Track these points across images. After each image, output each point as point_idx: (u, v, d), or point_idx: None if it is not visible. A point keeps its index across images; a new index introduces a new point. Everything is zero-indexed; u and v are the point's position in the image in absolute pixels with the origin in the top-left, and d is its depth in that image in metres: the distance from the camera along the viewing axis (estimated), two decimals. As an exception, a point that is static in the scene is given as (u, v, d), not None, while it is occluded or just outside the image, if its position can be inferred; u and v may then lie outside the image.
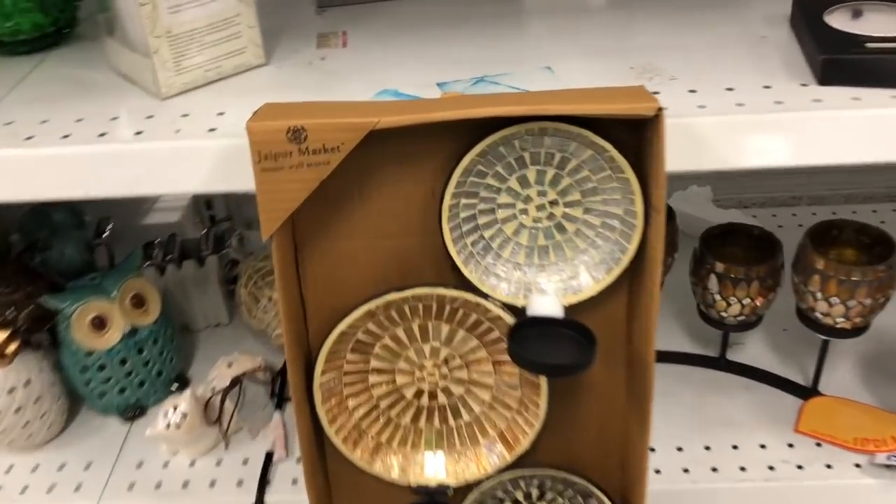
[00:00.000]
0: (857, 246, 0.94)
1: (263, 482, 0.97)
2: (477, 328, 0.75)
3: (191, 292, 1.20)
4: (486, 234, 0.71)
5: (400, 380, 0.78)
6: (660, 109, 0.61)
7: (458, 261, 0.70)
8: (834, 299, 0.89)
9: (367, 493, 0.84)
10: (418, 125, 0.62)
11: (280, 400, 1.08)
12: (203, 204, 1.43)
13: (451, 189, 0.67)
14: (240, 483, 0.98)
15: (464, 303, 0.72)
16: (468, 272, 0.70)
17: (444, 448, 0.80)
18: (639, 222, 0.67)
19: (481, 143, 0.65)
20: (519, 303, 0.71)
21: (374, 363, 0.77)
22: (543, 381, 0.75)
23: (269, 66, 0.83)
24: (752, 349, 1.12)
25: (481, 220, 0.70)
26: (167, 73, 0.76)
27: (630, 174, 0.66)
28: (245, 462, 1.01)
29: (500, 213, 0.70)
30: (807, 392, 1.02)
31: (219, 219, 1.40)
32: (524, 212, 0.70)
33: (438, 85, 0.76)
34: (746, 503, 0.94)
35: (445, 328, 0.75)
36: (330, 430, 0.77)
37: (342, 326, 0.72)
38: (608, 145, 0.65)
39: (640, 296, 0.71)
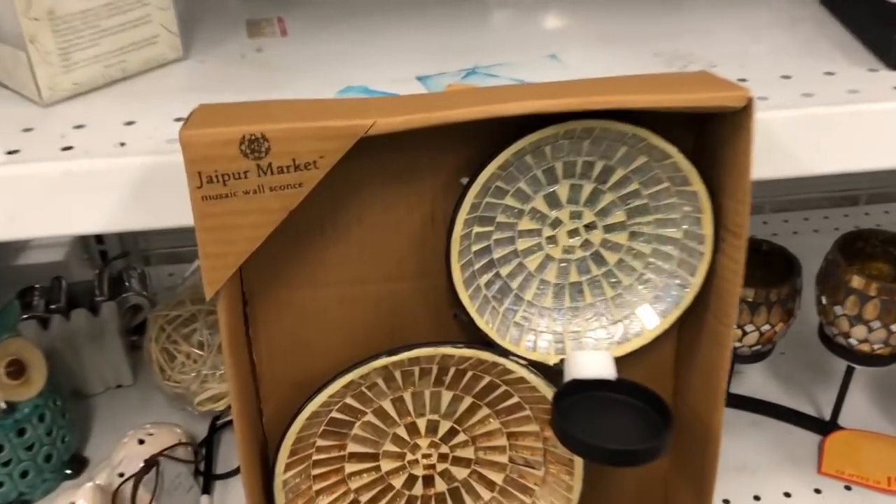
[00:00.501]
0: (886, 258, 0.82)
1: (195, 593, 0.76)
2: (489, 394, 0.57)
3: (84, 349, 0.97)
4: (504, 271, 0.54)
5: (386, 465, 0.60)
6: (749, 99, 0.46)
7: (471, 309, 0.52)
8: (875, 323, 0.76)
9: None
10: (412, 131, 0.44)
11: (207, 479, 0.87)
12: (92, 238, 1.20)
13: (462, 214, 0.49)
14: None
15: (476, 363, 0.55)
16: (483, 323, 0.53)
17: (446, 548, 0.62)
18: (707, 248, 0.52)
19: (507, 149, 0.48)
20: (550, 360, 0.54)
21: (352, 447, 0.58)
22: (578, 458, 0.58)
23: (190, 60, 0.64)
24: (752, 379, 0.99)
25: (497, 254, 0.53)
26: (51, 69, 0.55)
27: (699, 186, 0.50)
28: (169, 566, 0.80)
29: (521, 243, 0.53)
30: (825, 426, 0.90)
31: (112, 255, 1.17)
32: (552, 240, 0.53)
33: (419, 79, 0.59)
34: (782, 567, 0.80)
35: (447, 396, 0.57)
36: (297, 544, 0.58)
37: (312, 407, 0.54)
38: (673, 149, 0.49)
39: (701, 342, 0.55)
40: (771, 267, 0.84)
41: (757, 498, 0.84)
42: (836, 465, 0.86)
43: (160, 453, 0.83)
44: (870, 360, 0.80)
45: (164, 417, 0.91)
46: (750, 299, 0.80)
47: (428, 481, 0.60)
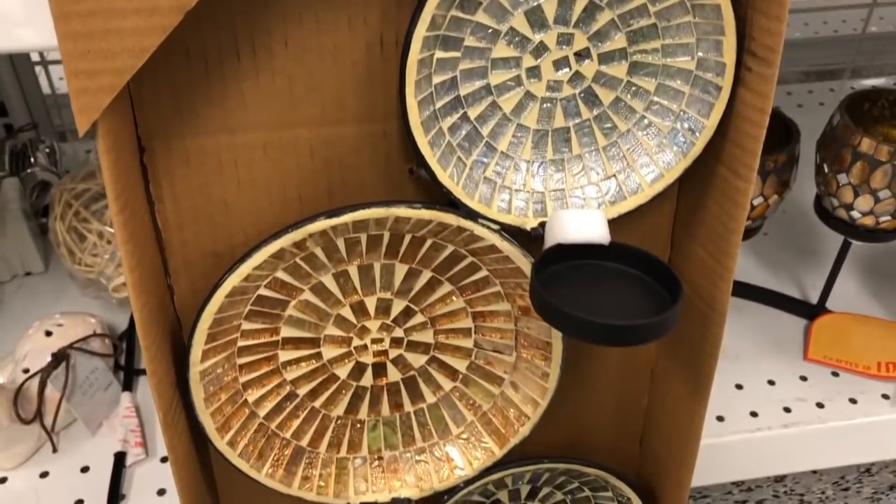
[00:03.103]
0: (894, 122, 0.73)
1: (115, 498, 0.67)
2: (452, 267, 0.47)
3: (-17, 230, 0.85)
4: (472, 112, 0.43)
5: (329, 352, 0.50)
6: None
7: (431, 160, 0.41)
8: (883, 192, 0.68)
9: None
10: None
11: (129, 375, 0.77)
12: (-8, 108, 1.05)
13: (421, 30, 0.38)
14: (79, 503, 0.68)
15: (436, 229, 0.44)
16: (446, 178, 0.42)
17: (399, 444, 0.53)
18: (726, 81, 0.41)
19: (480, -59, 0.36)
20: (528, 223, 0.44)
21: (286, 332, 0.48)
22: (557, 341, 0.49)
23: None
24: (734, 261, 0.91)
25: (464, 90, 0.42)
26: None
27: (723, -1, 0.39)
28: (84, 470, 0.71)
29: (495, 77, 0.42)
30: (812, 310, 0.83)
31: (18, 127, 1.02)
32: (534, 73, 0.42)
33: None
34: (762, 455, 0.74)
35: (401, 269, 0.47)
36: (220, 443, 0.48)
37: (233, 280, 0.43)
38: (693, -54, 0.38)
39: (709, 202, 0.45)
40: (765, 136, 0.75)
41: (739, 387, 0.77)
42: (823, 351, 0.79)
43: (70, 346, 0.72)
44: (872, 235, 0.72)
45: (79, 308, 0.80)
46: (743, 168, 0.71)
47: (379, 370, 0.51)
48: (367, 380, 0.51)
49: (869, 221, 0.71)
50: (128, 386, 0.76)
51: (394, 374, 0.52)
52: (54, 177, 0.93)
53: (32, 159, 0.92)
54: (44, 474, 0.70)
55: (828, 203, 0.73)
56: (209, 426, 0.47)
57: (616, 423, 0.58)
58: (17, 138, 0.96)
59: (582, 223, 0.41)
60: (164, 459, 0.71)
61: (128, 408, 0.73)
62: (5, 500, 0.68)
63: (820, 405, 0.75)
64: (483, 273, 0.47)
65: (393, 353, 0.51)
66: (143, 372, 0.78)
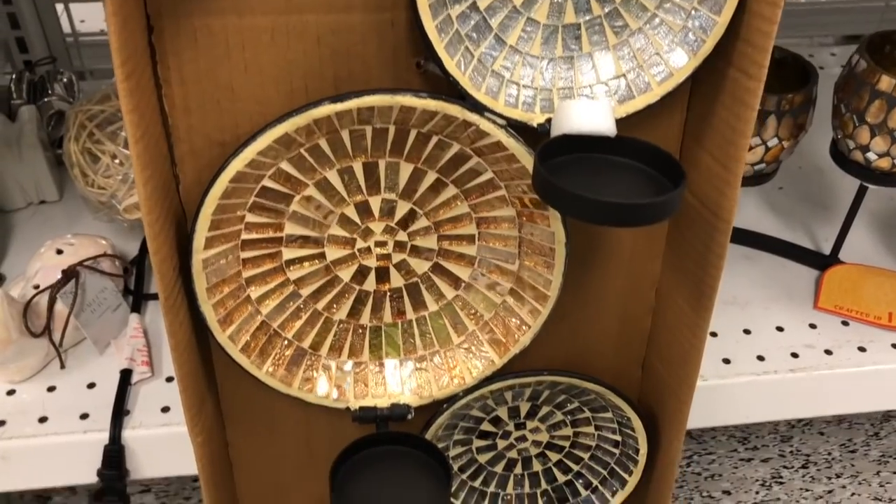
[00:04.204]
0: (914, 65, 0.72)
1: (119, 413, 0.67)
2: (457, 168, 0.47)
3: (1, 158, 0.85)
4: (482, 2, 0.42)
5: (332, 253, 0.50)
6: None
7: (439, 47, 0.41)
8: (901, 133, 0.67)
9: (280, 421, 0.56)
10: None
11: (138, 298, 0.77)
12: (14, 42, 1.06)
13: None
14: (84, 416, 0.68)
15: (441, 123, 0.44)
16: (453, 67, 0.42)
17: (401, 351, 0.53)
18: (739, -25, 0.41)
19: None
20: (534, 119, 0.44)
21: (290, 228, 0.48)
22: (560, 247, 0.48)
23: None
24: (747, 211, 0.90)
25: (473, -22, 0.42)
26: None
27: None
28: (91, 386, 0.71)
29: (505, -34, 0.42)
30: (825, 260, 0.82)
31: (37, 60, 1.03)
32: (544, -37, 0.42)
33: None
34: (769, 399, 0.74)
35: (406, 169, 0.47)
36: (222, 336, 0.49)
37: (237, 164, 0.43)
38: None
39: (718, 105, 0.45)
40: (782, 80, 0.74)
41: (747, 332, 0.77)
42: (833, 300, 0.79)
43: (80, 263, 0.72)
44: (887, 178, 0.71)
45: (91, 233, 0.81)
46: (760, 107, 0.70)
47: (382, 275, 0.51)
48: (370, 284, 0.51)
49: (885, 164, 0.70)
50: (137, 309, 0.77)
51: (396, 280, 0.52)
52: (70, 106, 0.93)
53: (50, 90, 0.92)
54: (51, 388, 0.71)
55: (843, 146, 0.72)
56: (210, 317, 0.48)
57: (618, 345, 0.57)
58: (35, 72, 0.97)
59: (589, 113, 0.41)
60: (169, 379, 0.71)
61: (136, 328, 0.74)
62: (13, 412, 0.69)
63: (828, 352, 0.75)
64: (488, 175, 0.47)
65: (396, 258, 0.51)
66: (153, 297, 0.78)
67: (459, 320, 0.53)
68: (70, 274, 0.72)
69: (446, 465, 0.49)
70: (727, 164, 0.45)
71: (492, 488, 0.61)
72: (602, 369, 0.57)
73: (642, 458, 0.58)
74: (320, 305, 0.51)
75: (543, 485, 0.62)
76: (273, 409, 0.55)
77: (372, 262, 0.51)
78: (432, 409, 0.54)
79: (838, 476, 0.99)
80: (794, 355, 0.74)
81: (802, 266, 0.83)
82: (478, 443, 0.59)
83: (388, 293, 0.52)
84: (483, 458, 0.60)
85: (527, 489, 0.61)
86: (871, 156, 0.70)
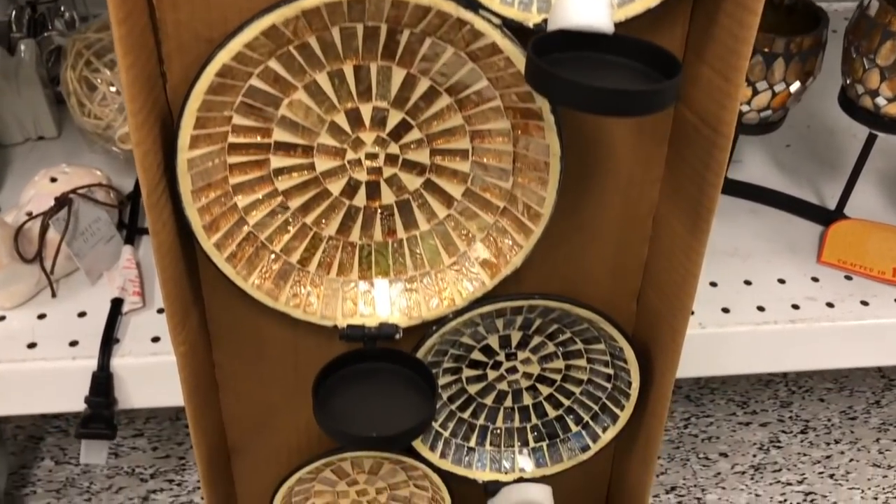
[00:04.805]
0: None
1: (109, 340, 0.67)
2: (451, 75, 0.46)
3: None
4: None
5: (322, 164, 0.49)
6: None
7: (432, -64, 0.40)
8: (912, 76, 0.65)
9: (267, 342, 0.56)
10: None
11: (132, 231, 0.77)
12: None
13: None
14: (73, 343, 0.68)
15: (434, 22, 0.43)
16: (447, -40, 0.41)
17: (391, 271, 0.52)
18: None
19: None
20: (531, 19, 0.43)
21: (279, 135, 0.47)
22: (555, 160, 0.47)
23: None
24: (753, 167, 0.89)
25: None
26: None
27: None
28: (81, 315, 0.71)
29: None
30: (829, 215, 0.81)
31: None
32: None
33: None
34: (768, 349, 0.72)
35: (399, 74, 0.46)
36: (207, 243, 0.48)
37: (223, 57, 0.42)
38: None
39: (719, 18, 0.44)
40: (792, 26, 0.72)
41: (748, 283, 0.75)
42: (837, 255, 0.77)
43: (73, 190, 0.72)
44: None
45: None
46: (766, 50, 0.69)
47: (372, 190, 0.50)
48: (361, 200, 0.50)
49: (894, 110, 0.68)
50: (130, 242, 0.76)
51: (388, 197, 0.51)
52: (72, 44, 0.92)
53: (50, 25, 0.92)
54: (41, 316, 0.70)
55: (853, 92, 0.71)
56: (195, 222, 0.47)
57: (614, 276, 0.56)
58: (36, 10, 0.96)
59: (586, 7, 0.39)
60: (161, 311, 0.71)
61: (128, 259, 0.73)
62: (1, 337, 0.69)
63: (830, 304, 0.73)
64: (483, 83, 0.46)
65: (387, 173, 0.50)
66: (147, 231, 0.77)
67: (451, 241, 0.52)
68: (63, 201, 0.71)
69: (432, 382, 0.48)
70: (728, 75, 0.44)
71: (481, 421, 0.60)
72: (596, 300, 0.56)
73: (634, 391, 0.57)
74: (309, 219, 0.50)
75: (534, 419, 0.61)
76: (260, 328, 0.54)
77: (363, 176, 0.50)
78: (421, 332, 0.53)
79: (837, 442, 0.97)
80: (795, 307, 0.73)
81: (807, 221, 0.82)
82: (468, 372, 0.58)
83: (379, 210, 0.51)
84: (473, 389, 0.59)
85: (517, 423, 0.60)
86: (881, 101, 0.68)
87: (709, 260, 0.77)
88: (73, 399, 0.67)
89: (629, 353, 0.55)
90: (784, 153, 0.91)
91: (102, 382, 0.66)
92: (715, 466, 0.94)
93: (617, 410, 0.58)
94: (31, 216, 0.71)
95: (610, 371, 0.58)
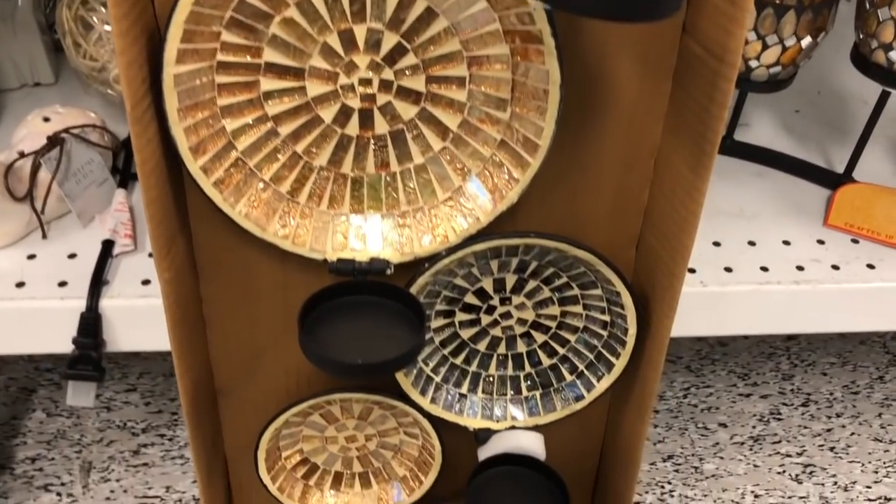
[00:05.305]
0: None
1: (98, 281, 0.66)
2: (448, -5, 0.44)
3: (-6, 33, 0.83)
4: None
5: (314, 89, 0.47)
6: None
7: None
8: (927, 28, 0.63)
9: (256, 277, 0.54)
10: None
11: (125, 175, 0.75)
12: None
13: None
14: (62, 284, 0.67)
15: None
16: None
17: (383, 205, 0.51)
18: None
19: None
20: (531, -68, 0.41)
21: (269, 55, 0.46)
22: (554, 88, 0.46)
23: None
24: (761, 131, 0.87)
25: None
26: None
27: None
28: (72, 257, 0.69)
29: None
30: (837, 179, 0.79)
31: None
32: None
33: None
34: (771, 310, 0.71)
35: (394, -6, 0.44)
36: (193, 165, 0.46)
37: (214, -34, 0.40)
38: None
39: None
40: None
41: (752, 243, 0.74)
42: (844, 218, 0.76)
43: (66, 130, 0.70)
44: (912, 81, 0.68)
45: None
46: (778, 1, 0.67)
47: (366, 119, 0.48)
48: (353, 129, 0.49)
49: (908, 64, 0.67)
50: (124, 185, 0.75)
51: (381, 126, 0.49)
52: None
53: (49, -30, 0.90)
54: (31, 256, 0.69)
55: (866, 47, 0.69)
56: (182, 142, 0.45)
57: (613, 219, 0.55)
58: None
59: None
60: (152, 255, 0.70)
61: (121, 202, 0.72)
62: (-10, 276, 0.68)
63: (835, 267, 0.72)
64: (482, 4, 0.44)
65: (381, 100, 0.48)
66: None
67: (446, 174, 0.50)
68: (55, 140, 0.70)
69: (420, 314, 0.46)
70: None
71: (474, 367, 0.59)
72: (594, 245, 0.54)
73: (631, 339, 0.55)
74: (300, 148, 0.49)
75: (527, 368, 0.59)
76: (248, 261, 0.53)
77: (356, 103, 0.48)
78: (413, 269, 0.52)
79: (839, 416, 0.96)
80: (800, 268, 0.71)
81: (815, 185, 0.80)
82: (461, 316, 0.57)
83: (372, 141, 0.49)
84: (466, 334, 0.58)
85: (510, 371, 0.59)
86: (894, 55, 0.66)
87: (712, 220, 0.76)
88: (60, 340, 0.65)
89: (626, 299, 0.54)
90: (793, 118, 0.89)
91: (90, 323, 0.64)
92: (714, 436, 0.93)
93: (612, 359, 0.57)
94: (22, 155, 0.69)
95: (606, 318, 0.56)
